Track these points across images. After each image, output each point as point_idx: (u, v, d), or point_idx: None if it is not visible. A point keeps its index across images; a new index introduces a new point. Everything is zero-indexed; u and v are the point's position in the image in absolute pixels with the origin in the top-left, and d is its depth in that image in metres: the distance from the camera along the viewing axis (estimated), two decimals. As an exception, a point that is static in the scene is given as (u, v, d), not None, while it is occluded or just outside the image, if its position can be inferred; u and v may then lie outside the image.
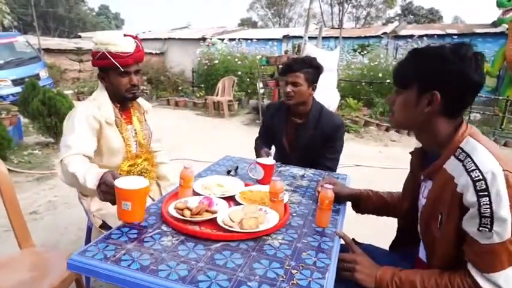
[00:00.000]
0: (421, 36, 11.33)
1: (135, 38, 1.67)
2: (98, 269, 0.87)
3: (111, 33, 1.62)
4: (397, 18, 29.39)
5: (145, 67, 11.86)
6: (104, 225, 1.64)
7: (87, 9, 41.75)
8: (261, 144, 2.11)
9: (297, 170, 1.73)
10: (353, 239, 1.34)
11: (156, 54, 15.48)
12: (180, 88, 10.62)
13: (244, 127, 7.08)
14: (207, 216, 1.10)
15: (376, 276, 1.03)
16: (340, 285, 1.03)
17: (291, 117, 2.03)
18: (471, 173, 0.89)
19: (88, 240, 1.75)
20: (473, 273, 0.90)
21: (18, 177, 3.87)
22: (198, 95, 9.71)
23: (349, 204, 1.43)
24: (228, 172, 1.61)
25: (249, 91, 9.39)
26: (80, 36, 21.09)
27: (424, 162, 1.12)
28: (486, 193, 0.86)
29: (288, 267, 0.90)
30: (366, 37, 13.17)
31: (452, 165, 0.96)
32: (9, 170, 4.08)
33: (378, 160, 4.95)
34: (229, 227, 1.04)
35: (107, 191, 1.17)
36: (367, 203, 1.38)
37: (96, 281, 2.02)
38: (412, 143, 5.04)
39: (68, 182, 1.42)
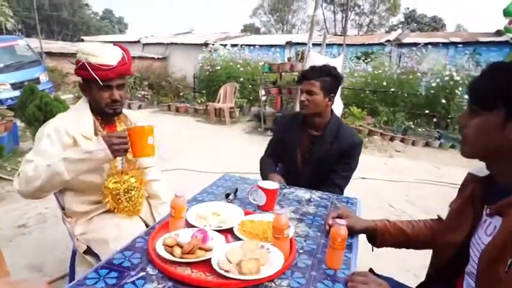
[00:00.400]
0: (425, 44, 11.22)
1: (124, 49, 1.54)
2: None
3: (95, 44, 1.49)
4: (400, 26, 29.37)
5: (147, 72, 11.78)
6: (89, 251, 1.49)
7: (91, 13, 41.91)
8: (269, 165, 1.99)
9: (303, 193, 1.58)
10: (370, 270, 1.19)
11: (158, 59, 15.40)
12: (181, 94, 10.51)
13: (246, 135, 6.93)
14: (200, 255, 0.95)
15: None
16: None
17: (306, 129, 1.92)
18: None
19: (72, 266, 1.60)
20: None
21: (10, 186, 3.73)
22: (199, 101, 9.58)
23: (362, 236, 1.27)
24: (227, 196, 1.45)
25: (251, 98, 9.26)
26: (82, 40, 21.06)
27: (490, 193, 0.95)
28: None
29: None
30: (369, 44, 13.07)
31: None
32: (1, 178, 3.96)
33: (383, 172, 4.79)
34: (226, 271, 0.88)
35: (122, 142, 1.32)
36: (385, 236, 1.22)
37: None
38: (417, 154, 4.89)
39: (34, 186, 1.28)
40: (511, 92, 0.82)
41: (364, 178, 4.38)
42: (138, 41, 17.27)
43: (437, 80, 7.42)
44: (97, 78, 1.40)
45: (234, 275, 0.87)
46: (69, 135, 1.41)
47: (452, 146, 6.65)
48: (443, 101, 7.24)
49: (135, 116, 1.72)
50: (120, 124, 1.63)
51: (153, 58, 15.32)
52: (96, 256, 1.46)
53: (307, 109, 1.83)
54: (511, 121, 0.83)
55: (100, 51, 1.43)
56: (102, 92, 1.46)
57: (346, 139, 1.84)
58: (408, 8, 29.74)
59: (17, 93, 6.85)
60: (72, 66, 13.24)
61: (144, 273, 0.90)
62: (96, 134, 1.47)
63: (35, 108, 4.73)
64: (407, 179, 4.49)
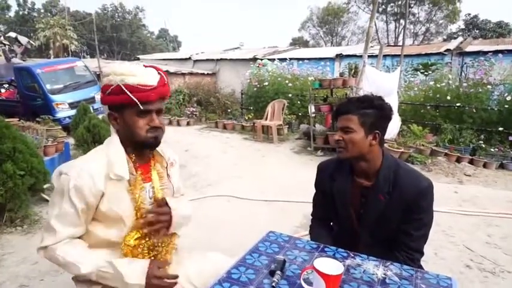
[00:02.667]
0: (492, 53, 10.15)
1: (159, 70, 1.28)
2: None
3: (129, 64, 1.26)
4: (460, 33, 27.46)
5: (196, 89, 11.93)
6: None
7: (147, 33, 44.42)
8: (321, 237, 1.54)
9: (373, 267, 1.17)
10: None
11: (208, 74, 15.65)
12: (229, 110, 10.43)
13: (294, 155, 6.54)
14: None
15: None
16: None
17: (355, 178, 1.50)
18: None
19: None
20: None
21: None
22: (246, 118, 9.40)
23: None
24: (271, 273, 1.09)
25: (299, 114, 8.89)
26: (138, 59, 22.18)
27: None
28: None
29: None
30: (426, 54, 12.20)
31: None
32: (47, 201, 3.96)
33: (453, 202, 4.14)
34: None
35: (161, 285, 1.18)
36: None
37: None
38: (491, 178, 4.17)
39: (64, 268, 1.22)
40: None
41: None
42: (190, 58, 17.76)
43: (514, 93, 6.53)
44: (136, 101, 1.16)
45: None
46: (98, 186, 1.17)
47: (534, 169, 5.77)
48: (521, 116, 6.34)
49: (170, 154, 1.45)
50: (155, 166, 1.36)
51: (203, 74, 15.60)
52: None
53: (343, 152, 1.44)
54: None
55: (137, 71, 1.20)
56: (140, 118, 1.21)
57: (409, 187, 1.39)
58: (469, 14, 27.74)
59: (74, 112, 7.12)
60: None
61: None
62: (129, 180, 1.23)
63: (84, 130, 4.79)
64: (486, 212, 3.82)
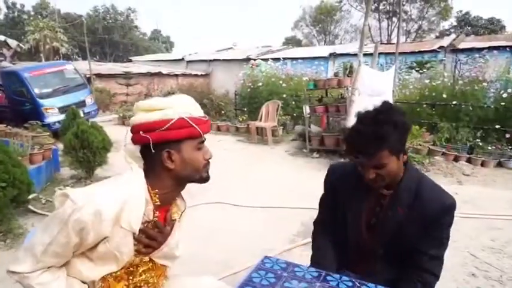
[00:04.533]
0: (485, 50, 10.11)
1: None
2: None
3: (182, 96, 1.15)
4: (452, 30, 27.54)
5: (189, 90, 11.77)
6: None
7: (140, 34, 44.02)
8: (323, 239, 1.44)
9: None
10: None
11: (201, 75, 15.51)
12: (223, 112, 10.28)
13: (290, 157, 6.42)
14: None
15: None
16: None
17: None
18: None
19: None
20: None
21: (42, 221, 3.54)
22: (240, 119, 9.26)
23: None
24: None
25: (294, 115, 8.77)
26: (130, 60, 21.94)
27: None
28: None
29: None
30: (419, 52, 12.17)
31: None
32: (34, 212, 3.80)
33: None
34: None
35: None
36: None
37: None
38: (490, 177, 4.05)
39: None
40: None
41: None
42: (182, 59, 17.60)
43: (510, 90, 6.46)
44: (201, 133, 1.09)
45: None
46: (103, 231, 1.01)
47: (532, 167, 5.70)
48: (518, 113, 6.27)
49: (186, 203, 1.30)
50: (174, 211, 1.22)
51: (196, 75, 15.47)
52: None
53: (380, 185, 1.30)
54: None
55: (193, 103, 1.13)
56: (200, 151, 1.12)
57: (433, 202, 1.28)
58: (461, 11, 27.83)
59: (63, 116, 6.93)
60: (120, 87, 13.80)
61: None
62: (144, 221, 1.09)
63: (72, 136, 4.61)
64: (488, 215, 3.72)
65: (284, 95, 8.63)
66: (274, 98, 8.42)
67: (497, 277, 2.53)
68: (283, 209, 3.85)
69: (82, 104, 8.45)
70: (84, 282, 1.09)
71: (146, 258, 1.14)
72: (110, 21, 39.10)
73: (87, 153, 4.59)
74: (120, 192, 1.04)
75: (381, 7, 28.32)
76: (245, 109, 9.71)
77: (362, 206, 1.38)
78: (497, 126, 6.52)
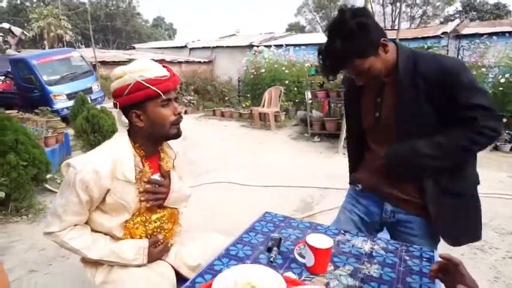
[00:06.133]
0: (488, 35, 10.11)
1: (162, 63, 1.34)
2: None
3: (139, 60, 1.29)
4: (457, 15, 27.22)
5: (192, 77, 11.91)
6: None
7: (142, 22, 43.81)
8: (355, 155, 1.55)
9: (362, 242, 1.26)
10: None
11: (204, 62, 15.59)
12: (226, 98, 10.46)
13: (292, 142, 6.63)
14: None
15: None
16: None
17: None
18: None
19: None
20: None
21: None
22: (243, 105, 9.44)
23: None
24: (269, 250, 1.17)
25: (296, 101, 8.94)
26: (133, 48, 22.00)
27: None
28: None
29: None
30: (423, 38, 12.15)
31: None
32: (51, 191, 4.05)
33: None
34: None
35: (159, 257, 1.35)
36: None
37: None
38: (485, 160, 4.32)
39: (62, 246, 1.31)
40: None
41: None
42: (185, 46, 17.64)
43: (507, 75, 6.58)
44: (160, 92, 1.21)
45: None
46: (104, 183, 1.23)
47: (527, 151, 5.87)
48: (516, 98, 6.40)
49: (178, 147, 1.50)
50: (163, 157, 1.41)
51: (199, 62, 15.54)
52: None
53: (375, 81, 1.34)
54: None
55: (151, 65, 1.25)
56: (165, 108, 1.26)
57: (430, 68, 1.23)
58: (466, -5, 27.46)
59: (71, 103, 7.14)
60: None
61: None
62: (135, 171, 1.28)
63: (83, 120, 4.83)
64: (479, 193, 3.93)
65: (286, 81, 8.78)
66: (276, 84, 8.57)
67: (479, 246, 2.76)
68: (284, 187, 4.08)
69: (89, 90, 8.65)
70: (107, 234, 1.33)
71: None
72: (112, 8, 38.93)
73: (97, 137, 4.81)
74: (110, 151, 1.27)
75: (385, -8, 28.02)
76: (248, 95, 9.88)
77: (362, 104, 1.44)
78: (495, 111, 6.66)
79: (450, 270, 0.91)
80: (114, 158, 1.24)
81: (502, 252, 2.71)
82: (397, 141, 1.33)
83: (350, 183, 1.61)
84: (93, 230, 1.33)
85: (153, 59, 1.39)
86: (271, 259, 1.11)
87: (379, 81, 1.35)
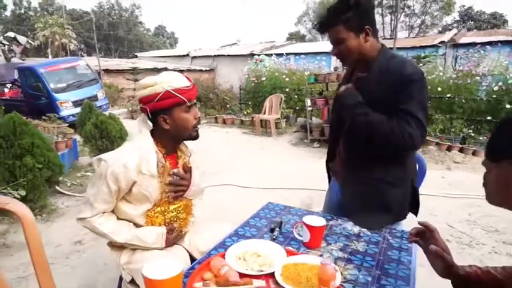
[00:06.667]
0: (483, 44, 10.38)
1: (184, 75, 1.56)
2: None
3: (168, 72, 1.51)
4: (455, 25, 27.61)
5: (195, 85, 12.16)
6: (134, 281, 1.51)
7: (144, 30, 44.42)
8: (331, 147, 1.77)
9: (351, 226, 1.46)
10: None
11: (206, 71, 15.87)
12: (228, 105, 10.69)
13: (292, 147, 6.84)
14: None
15: None
16: None
17: (356, 72, 1.60)
18: None
19: (119, 289, 1.63)
20: None
21: (69, 201, 3.98)
22: (245, 113, 9.68)
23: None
24: (272, 230, 1.39)
25: (297, 108, 9.17)
26: (136, 56, 22.36)
27: None
28: None
29: None
30: (421, 47, 12.43)
31: None
32: (61, 193, 4.25)
33: (440, 187, 4.44)
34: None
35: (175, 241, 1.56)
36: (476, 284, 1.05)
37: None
38: (479, 165, 4.50)
39: (93, 231, 1.51)
40: None
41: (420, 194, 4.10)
42: (187, 55, 17.95)
43: (500, 83, 6.82)
44: (185, 100, 1.42)
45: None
46: (131, 176, 1.42)
47: (521, 156, 6.06)
48: (508, 106, 6.62)
49: (192, 147, 1.70)
50: (181, 156, 1.62)
51: (201, 70, 15.83)
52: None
53: (346, 61, 1.55)
54: None
55: (176, 76, 1.47)
56: (188, 113, 1.47)
57: (394, 73, 1.41)
58: (464, 6, 27.92)
59: (77, 110, 7.37)
60: (128, 82, 13.96)
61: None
62: (157, 166, 1.49)
63: (92, 126, 5.04)
64: (468, 195, 4.12)
65: (287, 89, 9.02)
66: (277, 92, 8.81)
67: (467, 242, 2.95)
68: (284, 190, 4.27)
69: (94, 98, 8.88)
70: (130, 222, 1.53)
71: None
72: (115, 17, 39.56)
73: (105, 142, 5.02)
74: (136, 149, 1.47)
75: (385, 1, 28.47)
76: (249, 103, 10.11)
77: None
78: (488, 118, 6.87)
79: (427, 236, 1.10)
80: (140, 155, 1.45)
81: (488, 247, 2.89)
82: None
83: (327, 171, 1.86)
84: (118, 218, 1.54)
85: (156, 67, 1.61)
86: (274, 237, 1.31)
87: (356, 75, 1.56)
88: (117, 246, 1.56)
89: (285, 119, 8.71)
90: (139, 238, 1.48)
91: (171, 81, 1.42)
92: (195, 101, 1.51)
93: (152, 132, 1.52)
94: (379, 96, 1.42)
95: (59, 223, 3.45)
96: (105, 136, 5.01)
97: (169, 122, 1.47)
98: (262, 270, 1.09)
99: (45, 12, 28.28)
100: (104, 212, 1.49)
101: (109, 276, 2.43)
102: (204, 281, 1.03)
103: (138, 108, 10.45)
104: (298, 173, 5.02)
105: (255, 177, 4.83)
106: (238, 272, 1.05)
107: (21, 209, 1.41)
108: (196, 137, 1.54)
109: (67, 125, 6.55)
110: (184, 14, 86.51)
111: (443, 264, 1.06)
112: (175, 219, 1.58)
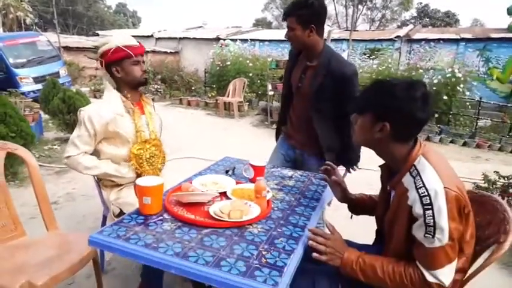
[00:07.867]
0: (435, 40, 11.32)
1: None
2: (112, 245, 1.11)
3: (119, 31, 1.94)
4: (412, 21, 29.12)
5: (159, 67, 12.21)
6: (121, 214, 1.90)
7: (105, 7, 42.58)
8: (283, 106, 2.23)
9: (287, 171, 1.95)
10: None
11: (170, 53, 15.80)
12: (193, 88, 10.92)
13: (253, 128, 7.31)
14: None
15: (343, 257, 1.19)
16: (308, 264, 1.23)
17: (304, 59, 2.00)
18: (419, 190, 1.08)
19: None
20: (421, 268, 1.09)
21: (40, 171, 4.19)
22: (209, 95, 9.99)
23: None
24: (226, 172, 1.84)
25: (259, 92, 9.62)
26: (97, 34, 21.63)
27: (390, 175, 1.27)
28: (430, 207, 1.04)
29: (261, 249, 1.12)
30: (378, 40, 13.18)
31: (407, 180, 1.14)
32: (31, 163, 4.44)
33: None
34: (219, 216, 1.27)
35: None
36: (362, 205, 1.56)
37: (110, 263, 2.28)
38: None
39: (77, 169, 1.85)
40: (376, 103, 1.16)
41: (361, 169, 4.70)
42: (151, 36, 17.68)
43: (439, 77, 7.65)
44: (132, 54, 1.82)
45: (225, 219, 1.26)
46: (104, 118, 1.80)
47: (452, 141, 6.92)
48: (445, 97, 7.46)
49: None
50: (145, 105, 2.02)
51: (166, 52, 15.72)
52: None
53: (293, 45, 1.97)
54: (375, 125, 1.17)
55: (126, 36, 1.90)
56: (135, 66, 1.87)
57: (337, 72, 1.85)
58: (421, 3, 29.48)
59: (38, 86, 7.35)
60: (89, 61, 13.65)
61: (162, 217, 1.30)
62: (128, 111, 1.88)
63: (59, 101, 5.19)
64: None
65: (250, 74, 9.43)
66: (241, 76, 9.20)
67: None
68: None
69: (56, 75, 8.80)
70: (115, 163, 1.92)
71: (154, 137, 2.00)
72: (74, -9, 37.51)
73: (73, 116, 5.20)
74: (105, 97, 1.90)
75: (348, -7, 29.36)
76: (214, 86, 10.42)
77: (293, 73, 2.06)
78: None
79: (330, 172, 1.59)
80: (109, 101, 1.87)
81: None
82: (310, 108, 1.99)
83: (276, 131, 2.33)
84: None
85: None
86: (229, 176, 1.76)
87: (305, 63, 1.99)
88: (108, 186, 1.94)
89: (247, 103, 9.13)
90: (116, 169, 1.88)
91: (122, 39, 1.84)
92: (142, 59, 1.92)
93: (118, 88, 1.92)
94: (326, 88, 1.86)
95: (32, 188, 3.68)
96: (72, 111, 5.18)
97: (120, 72, 1.87)
98: (217, 190, 1.54)
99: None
100: (85, 152, 1.85)
101: (88, 225, 2.78)
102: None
103: (101, 87, 10.46)
104: (258, 152, 5.44)
105: (218, 153, 5.21)
106: (201, 191, 1.50)
107: (27, 155, 1.76)
108: (145, 83, 1.96)
109: (31, 99, 6.56)
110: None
111: (340, 190, 1.57)
112: (153, 155, 1.98)
